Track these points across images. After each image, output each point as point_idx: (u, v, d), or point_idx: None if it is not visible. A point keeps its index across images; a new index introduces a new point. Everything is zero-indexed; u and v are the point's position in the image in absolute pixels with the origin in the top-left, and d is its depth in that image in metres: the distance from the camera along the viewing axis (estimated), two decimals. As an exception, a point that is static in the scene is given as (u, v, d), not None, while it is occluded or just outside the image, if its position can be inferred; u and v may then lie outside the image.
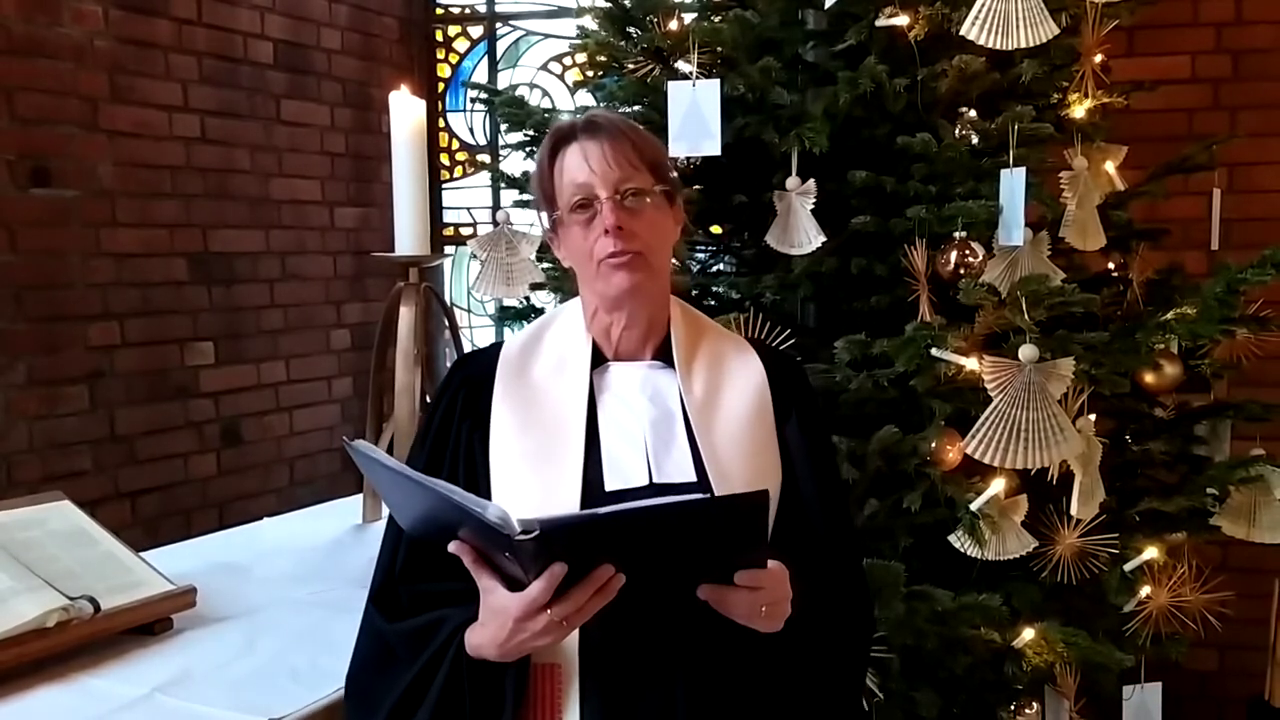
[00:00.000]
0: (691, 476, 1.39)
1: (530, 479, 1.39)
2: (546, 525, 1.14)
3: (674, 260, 2.50)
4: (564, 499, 1.35)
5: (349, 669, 1.44)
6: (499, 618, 1.23)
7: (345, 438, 1.32)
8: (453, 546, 1.23)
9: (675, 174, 1.51)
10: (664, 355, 1.47)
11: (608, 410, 1.43)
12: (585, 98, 2.94)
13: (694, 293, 2.59)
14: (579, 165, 1.39)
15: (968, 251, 2.24)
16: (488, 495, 1.38)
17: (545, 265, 2.61)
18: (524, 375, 1.46)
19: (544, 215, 1.46)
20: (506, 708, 1.31)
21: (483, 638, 1.27)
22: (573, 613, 1.19)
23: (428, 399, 2.81)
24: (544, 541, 1.14)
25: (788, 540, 1.37)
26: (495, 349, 1.51)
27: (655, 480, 1.38)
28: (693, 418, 1.42)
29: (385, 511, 2.52)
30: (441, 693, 1.32)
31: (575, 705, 1.33)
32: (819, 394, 2.27)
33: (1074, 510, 2.20)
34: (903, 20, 2.30)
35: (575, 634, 1.30)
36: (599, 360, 1.46)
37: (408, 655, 1.36)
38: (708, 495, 1.33)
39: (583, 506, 1.34)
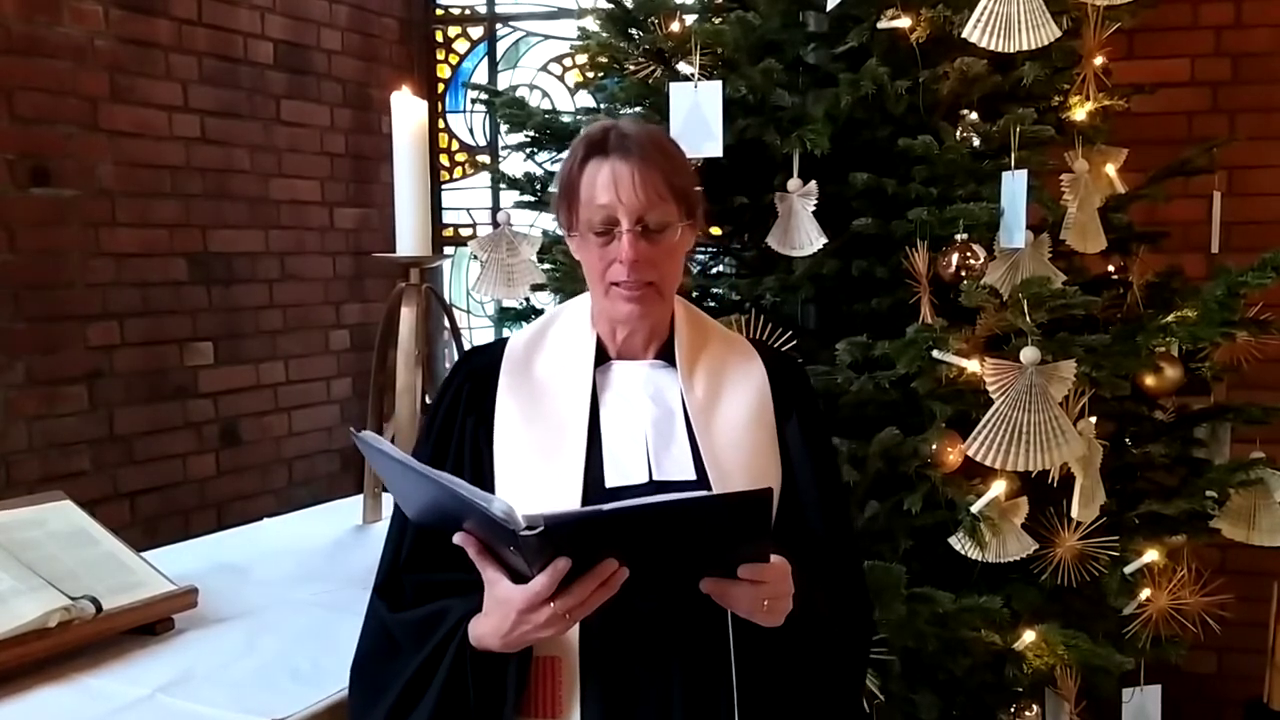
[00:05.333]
0: (691, 475, 1.40)
1: (532, 474, 1.40)
2: (551, 521, 1.15)
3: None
4: (565, 494, 1.36)
5: (354, 659, 1.45)
6: (502, 609, 1.24)
7: (352, 428, 1.33)
8: (458, 538, 1.24)
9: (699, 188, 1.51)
10: (667, 354, 1.48)
11: (610, 408, 1.44)
12: (586, 99, 2.94)
13: (694, 294, 2.59)
14: (606, 186, 1.38)
15: (969, 254, 2.24)
16: (492, 489, 1.40)
17: (546, 266, 2.61)
18: (528, 370, 1.48)
19: (561, 215, 1.46)
20: (509, 699, 1.33)
21: (486, 628, 1.28)
22: (576, 606, 1.21)
23: (428, 399, 2.81)
24: (548, 537, 1.15)
25: (787, 541, 1.38)
26: (500, 344, 1.52)
27: (655, 478, 1.39)
28: (693, 417, 1.43)
29: (386, 511, 2.52)
30: (445, 683, 1.33)
31: (576, 698, 1.35)
32: (820, 395, 2.28)
33: (1074, 513, 2.20)
34: (904, 22, 2.30)
35: (576, 627, 1.31)
36: (603, 358, 1.48)
37: (412, 645, 1.38)
38: (712, 492, 1.34)
39: (584, 503, 1.35)
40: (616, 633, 1.34)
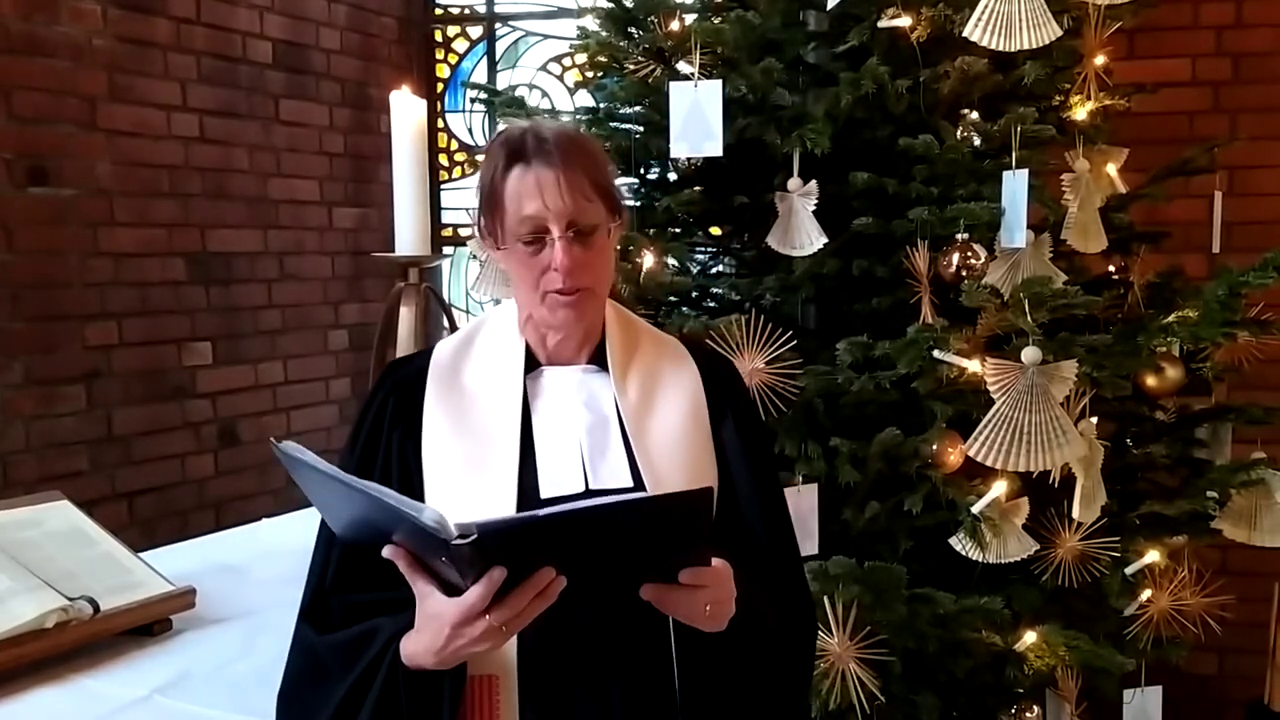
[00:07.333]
0: (628, 482, 1.37)
1: (464, 487, 1.36)
2: (485, 528, 1.10)
3: (673, 261, 2.53)
4: (499, 507, 1.32)
5: (280, 688, 1.38)
6: (435, 624, 1.19)
7: (273, 439, 1.27)
8: (387, 551, 1.19)
9: (622, 190, 1.48)
10: (599, 359, 1.45)
11: (542, 416, 1.41)
12: (585, 98, 2.93)
13: (694, 294, 2.59)
14: (531, 194, 1.34)
15: (970, 253, 2.24)
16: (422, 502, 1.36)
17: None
18: (455, 380, 1.43)
19: (484, 224, 1.41)
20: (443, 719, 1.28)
21: (418, 645, 1.23)
22: (512, 617, 1.16)
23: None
24: (482, 545, 1.11)
25: (726, 543, 1.35)
26: (426, 354, 1.48)
27: (591, 486, 1.36)
28: (628, 423, 1.40)
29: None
30: (377, 704, 1.27)
31: (514, 716, 1.31)
32: (820, 395, 2.28)
33: (1075, 513, 2.20)
34: (905, 21, 2.30)
35: (513, 644, 1.27)
36: (533, 364, 1.44)
37: (340, 668, 1.32)
38: (649, 494, 1.31)
39: (519, 513, 1.31)
40: (554, 647, 1.30)
